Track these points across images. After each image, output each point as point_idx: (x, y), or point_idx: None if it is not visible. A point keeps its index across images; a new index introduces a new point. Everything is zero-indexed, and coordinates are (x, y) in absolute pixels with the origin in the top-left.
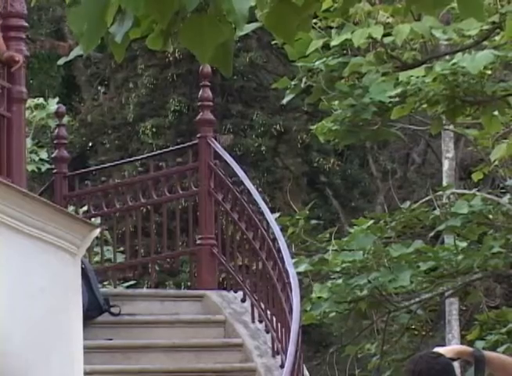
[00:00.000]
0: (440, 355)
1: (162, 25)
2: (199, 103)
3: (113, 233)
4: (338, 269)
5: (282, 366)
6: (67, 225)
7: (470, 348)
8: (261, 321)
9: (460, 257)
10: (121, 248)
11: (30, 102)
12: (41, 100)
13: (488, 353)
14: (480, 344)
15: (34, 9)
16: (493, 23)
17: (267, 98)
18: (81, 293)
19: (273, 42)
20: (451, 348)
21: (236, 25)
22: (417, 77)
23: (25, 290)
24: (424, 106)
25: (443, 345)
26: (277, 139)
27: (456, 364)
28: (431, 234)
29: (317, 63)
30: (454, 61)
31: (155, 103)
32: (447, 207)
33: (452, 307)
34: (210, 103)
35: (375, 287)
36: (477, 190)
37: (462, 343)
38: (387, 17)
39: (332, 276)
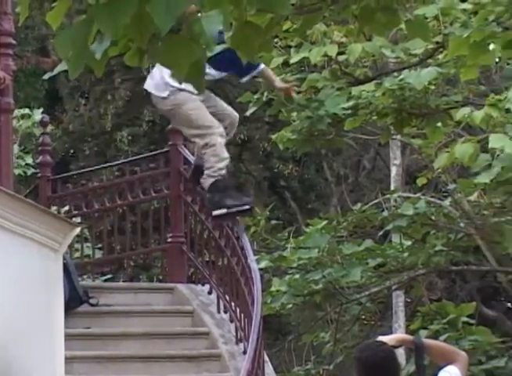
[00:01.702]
0: (383, 343)
1: (141, 45)
2: None
3: (91, 231)
4: (295, 265)
5: (244, 352)
6: (50, 224)
7: (410, 337)
8: (225, 312)
9: (406, 254)
10: (99, 245)
11: (17, 112)
12: (27, 111)
13: (427, 341)
14: (423, 333)
15: (22, 27)
16: (437, 42)
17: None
18: (63, 286)
19: None
20: (393, 336)
21: (206, 46)
22: (368, 92)
23: (9, 283)
24: (374, 117)
25: (389, 333)
26: (241, 147)
27: (400, 351)
28: (380, 233)
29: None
30: (401, 77)
31: (130, 113)
32: (394, 209)
33: (399, 299)
34: None
35: (329, 282)
36: (422, 194)
37: (407, 332)
38: (341, 37)
39: (290, 272)
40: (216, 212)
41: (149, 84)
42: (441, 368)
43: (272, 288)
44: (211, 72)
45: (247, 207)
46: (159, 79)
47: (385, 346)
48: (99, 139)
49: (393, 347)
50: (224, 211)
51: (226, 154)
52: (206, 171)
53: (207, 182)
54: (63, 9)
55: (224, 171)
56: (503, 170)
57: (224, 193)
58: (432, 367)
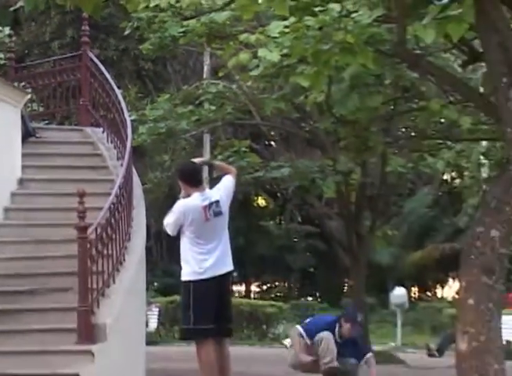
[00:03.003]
0: (193, 162)
1: None
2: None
3: (37, 96)
4: (151, 118)
5: (121, 165)
6: (13, 92)
7: (206, 159)
8: (111, 142)
9: (211, 114)
10: (41, 104)
11: None
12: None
13: (215, 162)
14: (219, 157)
15: None
16: None
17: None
18: (21, 126)
19: None
20: (198, 159)
21: None
22: (192, 24)
23: None
24: (196, 38)
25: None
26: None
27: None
28: (197, 102)
29: None
30: (211, 16)
31: (60, 32)
32: (205, 89)
33: (207, 139)
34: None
35: (169, 128)
36: (221, 81)
37: (211, 156)
38: None
39: (148, 122)
40: None
41: None
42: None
43: (139, 131)
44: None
45: None
46: None
47: (195, 163)
48: (42, 45)
49: (200, 165)
50: None
51: None
52: None
53: None
54: None
55: None
56: (264, 68)
57: None
58: None
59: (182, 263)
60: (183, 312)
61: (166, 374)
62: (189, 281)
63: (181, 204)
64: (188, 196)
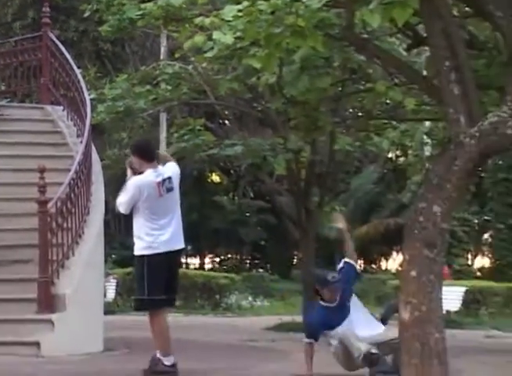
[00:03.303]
0: (147, 139)
1: None
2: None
3: None
4: (110, 97)
5: (81, 142)
6: None
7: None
8: (71, 120)
9: (168, 93)
10: (3, 84)
11: None
12: None
13: (160, 152)
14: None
15: None
16: None
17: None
18: None
19: None
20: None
21: None
22: (149, 7)
23: None
24: (152, 20)
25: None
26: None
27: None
28: (154, 82)
29: None
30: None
31: (22, 13)
32: (162, 69)
33: (164, 118)
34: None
35: (127, 106)
36: (178, 62)
37: (168, 134)
38: None
39: (106, 101)
40: None
41: None
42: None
43: (98, 110)
44: None
45: None
46: None
47: (148, 139)
48: (4, 26)
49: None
50: None
51: None
52: None
53: None
54: None
55: None
56: (219, 50)
57: None
58: None
59: (136, 239)
60: (138, 284)
61: (123, 342)
62: (144, 255)
63: (136, 180)
64: (140, 173)
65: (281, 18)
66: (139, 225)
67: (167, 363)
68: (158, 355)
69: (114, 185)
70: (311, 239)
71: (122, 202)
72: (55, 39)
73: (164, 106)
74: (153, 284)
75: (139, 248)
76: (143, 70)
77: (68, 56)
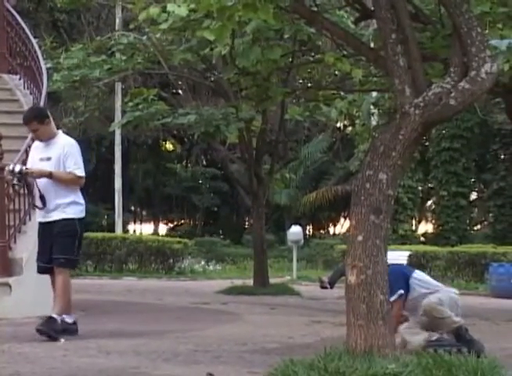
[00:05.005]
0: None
1: None
2: None
3: None
4: (65, 66)
5: None
6: None
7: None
8: (27, 88)
9: (123, 63)
10: None
11: None
12: None
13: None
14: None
15: None
16: None
17: None
18: None
19: None
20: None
21: None
22: None
23: None
24: None
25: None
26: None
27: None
28: (109, 52)
29: None
30: None
31: None
32: (117, 40)
33: (119, 88)
34: None
35: (84, 75)
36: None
37: (122, 103)
38: None
39: (62, 70)
40: None
41: None
42: None
43: (54, 79)
44: None
45: None
46: None
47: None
48: None
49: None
50: None
51: None
52: None
53: None
54: None
55: None
56: (173, 22)
57: None
58: None
59: (71, 203)
60: (67, 245)
61: (78, 305)
62: (79, 218)
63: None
64: (54, 134)
65: None
66: (75, 190)
67: (68, 320)
68: (55, 315)
69: None
70: (262, 205)
71: (81, 167)
72: (11, 9)
73: (119, 76)
74: (79, 246)
75: (77, 212)
76: (99, 40)
77: (24, 26)
